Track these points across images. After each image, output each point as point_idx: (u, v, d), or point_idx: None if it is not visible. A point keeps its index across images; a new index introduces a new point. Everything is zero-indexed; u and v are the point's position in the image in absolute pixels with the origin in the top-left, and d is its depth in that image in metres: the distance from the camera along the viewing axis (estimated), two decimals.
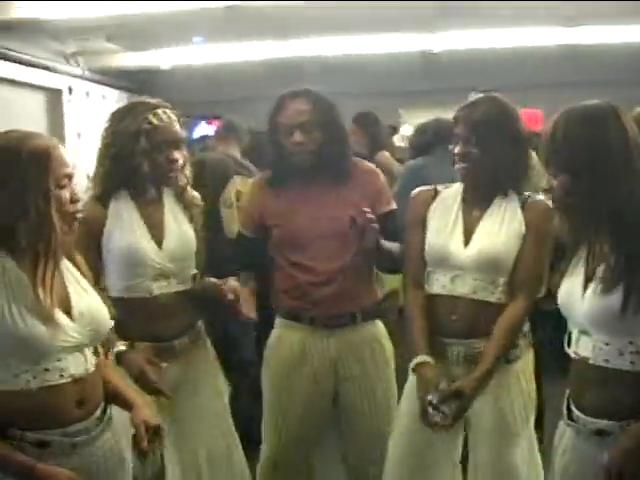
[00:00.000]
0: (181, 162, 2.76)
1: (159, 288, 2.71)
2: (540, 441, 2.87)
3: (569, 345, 2.06)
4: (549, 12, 6.08)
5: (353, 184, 2.94)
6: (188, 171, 2.84)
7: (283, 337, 3.03)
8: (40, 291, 1.94)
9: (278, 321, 3.07)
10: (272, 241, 3.02)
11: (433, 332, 2.69)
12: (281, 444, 3.02)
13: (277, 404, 3.03)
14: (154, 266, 2.70)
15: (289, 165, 2.93)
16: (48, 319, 1.94)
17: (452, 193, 2.74)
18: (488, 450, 2.64)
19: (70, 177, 2.04)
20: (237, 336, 4.27)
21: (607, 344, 1.95)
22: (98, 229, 2.66)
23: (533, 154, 4.03)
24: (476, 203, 2.68)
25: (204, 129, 8.82)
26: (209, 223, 4.19)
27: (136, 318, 2.61)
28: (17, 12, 5.13)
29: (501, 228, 2.62)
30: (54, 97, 7.05)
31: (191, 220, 2.86)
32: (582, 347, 2.01)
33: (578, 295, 2.00)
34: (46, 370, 1.95)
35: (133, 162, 2.66)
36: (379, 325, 3.06)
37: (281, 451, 3.03)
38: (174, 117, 2.74)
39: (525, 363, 2.71)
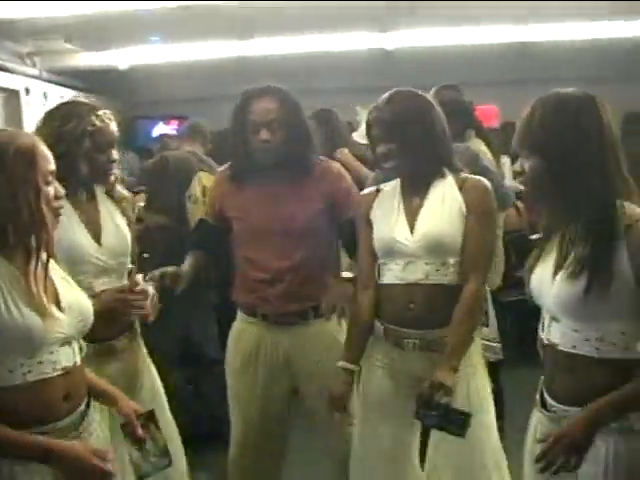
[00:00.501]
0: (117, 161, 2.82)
1: (101, 285, 2.70)
2: (500, 429, 2.92)
3: (542, 331, 2.11)
4: (502, 11, 6.16)
5: (316, 183, 2.97)
6: (117, 169, 2.84)
7: (241, 331, 3.09)
8: (33, 285, 1.98)
9: (238, 315, 3.12)
10: (232, 235, 3.06)
11: (390, 322, 2.74)
12: (245, 431, 3.07)
13: (238, 394, 3.08)
14: (96, 263, 2.69)
15: (252, 161, 2.94)
16: (43, 312, 1.97)
17: (391, 188, 2.81)
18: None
19: (53, 173, 2.05)
20: (200, 333, 4.27)
21: (575, 330, 1.99)
22: None
23: (483, 147, 4.12)
24: (414, 192, 2.73)
25: (162, 128, 8.83)
26: (175, 217, 4.26)
27: None
28: None
29: (443, 210, 2.67)
30: (11, 98, 6.97)
31: (123, 215, 2.86)
32: (552, 333, 2.06)
33: (548, 281, 2.03)
34: (40, 363, 1.98)
35: (76, 163, 2.65)
36: (335, 322, 3.00)
37: (246, 438, 3.08)
38: (112, 117, 2.76)
39: (476, 346, 2.77)
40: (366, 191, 2.90)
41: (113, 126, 2.74)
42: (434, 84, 4.50)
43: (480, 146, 4.08)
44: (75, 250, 2.64)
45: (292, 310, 2.97)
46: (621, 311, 1.94)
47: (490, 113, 8.76)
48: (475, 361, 2.73)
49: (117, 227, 2.79)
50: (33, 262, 2.00)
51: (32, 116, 7.11)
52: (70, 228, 2.65)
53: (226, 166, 3.15)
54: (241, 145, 2.94)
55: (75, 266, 2.58)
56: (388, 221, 2.73)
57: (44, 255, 2.03)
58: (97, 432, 2.17)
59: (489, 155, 4.04)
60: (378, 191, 2.83)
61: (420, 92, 2.79)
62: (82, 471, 1.97)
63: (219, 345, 4.34)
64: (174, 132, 7.51)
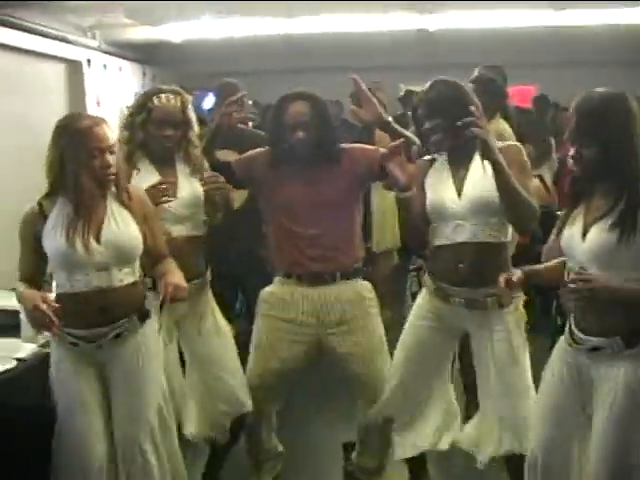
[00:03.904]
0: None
1: (177, 231, 3.19)
2: None
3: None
4: None
5: (343, 166, 3.31)
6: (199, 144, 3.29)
7: (275, 290, 3.41)
8: (79, 223, 2.67)
9: (275, 279, 3.45)
10: (268, 208, 3.41)
11: (440, 280, 3.06)
12: (259, 373, 3.37)
13: (264, 338, 3.38)
14: (173, 212, 3.17)
15: (290, 153, 3.29)
16: (83, 243, 2.66)
17: (442, 159, 3.09)
18: (495, 370, 3.01)
19: (102, 149, 2.64)
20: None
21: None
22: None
23: (507, 127, 4.18)
24: (459, 163, 3.03)
25: (212, 100, 8.90)
26: None
27: None
28: None
29: (485, 177, 2.89)
30: (74, 68, 7.13)
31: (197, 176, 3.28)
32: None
33: (578, 238, 2.43)
34: (77, 280, 2.70)
35: (135, 133, 3.17)
36: (360, 282, 3.41)
37: (259, 379, 3.37)
38: (171, 99, 3.18)
39: (520, 314, 3.05)
40: (421, 160, 3.18)
41: (170, 107, 3.17)
42: (472, 64, 4.57)
43: (504, 126, 4.14)
44: None
45: (323, 270, 3.32)
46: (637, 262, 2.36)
47: (526, 93, 8.78)
48: (512, 326, 3.02)
49: (191, 185, 3.24)
50: (80, 209, 2.67)
51: (93, 85, 7.29)
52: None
53: (265, 150, 3.43)
54: (279, 141, 3.30)
55: (158, 213, 3.09)
56: (438, 188, 3.04)
57: (85, 205, 2.66)
58: (138, 345, 2.80)
59: (509, 135, 4.08)
60: (433, 160, 3.12)
61: (455, 80, 3.05)
62: (31, 308, 2.56)
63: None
64: None
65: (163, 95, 3.17)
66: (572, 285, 2.34)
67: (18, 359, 3.06)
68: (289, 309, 3.35)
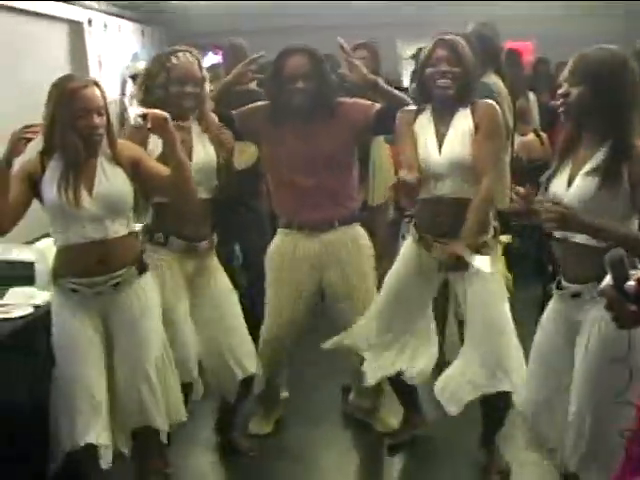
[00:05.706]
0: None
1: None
2: None
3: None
4: None
5: (339, 120, 3.45)
6: (191, 101, 3.25)
7: (281, 241, 3.61)
8: (70, 178, 2.81)
9: (278, 231, 3.65)
10: (268, 160, 3.59)
11: (423, 230, 3.24)
12: (276, 324, 3.60)
13: (275, 293, 3.59)
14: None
15: (289, 106, 3.42)
16: (72, 195, 2.79)
17: (427, 114, 3.20)
18: (481, 309, 3.16)
19: (89, 110, 2.76)
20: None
21: None
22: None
23: (500, 83, 4.27)
24: (442, 120, 3.17)
25: (212, 59, 8.96)
26: None
27: (172, 219, 3.24)
28: None
29: (463, 137, 3.09)
30: (76, 29, 7.19)
31: (212, 142, 3.32)
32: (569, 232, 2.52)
33: (564, 187, 2.51)
34: (74, 232, 2.84)
35: (153, 92, 3.20)
36: (357, 228, 3.62)
37: (276, 329, 3.60)
38: (189, 58, 3.21)
39: (497, 257, 3.20)
40: (409, 108, 3.28)
41: (189, 65, 3.20)
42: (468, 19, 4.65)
43: (496, 80, 4.24)
44: None
45: (321, 218, 3.50)
46: (619, 211, 2.45)
47: (524, 49, 8.83)
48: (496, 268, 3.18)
49: (205, 150, 3.28)
50: (71, 166, 2.80)
51: (95, 45, 7.37)
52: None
53: (265, 104, 3.56)
54: (280, 92, 3.42)
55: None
56: (423, 143, 3.15)
57: (75, 163, 2.79)
58: (137, 295, 2.95)
59: (504, 91, 4.18)
60: (418, 112, 3.22)
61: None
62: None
63: None
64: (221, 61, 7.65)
65: (181, 54, 3.21)
66: (546, 209, 2.41)
67: (34, 305, 3.25)
68: (293, 260, 3.54)
